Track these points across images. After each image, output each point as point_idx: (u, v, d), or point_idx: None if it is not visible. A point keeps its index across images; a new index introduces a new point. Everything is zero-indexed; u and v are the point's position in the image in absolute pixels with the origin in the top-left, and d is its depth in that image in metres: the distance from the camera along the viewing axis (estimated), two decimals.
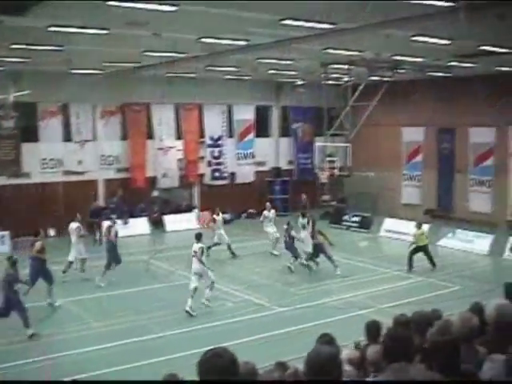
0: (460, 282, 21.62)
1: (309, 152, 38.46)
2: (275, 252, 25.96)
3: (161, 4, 13.44)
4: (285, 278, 22.27)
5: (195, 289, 18.40)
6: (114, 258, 22.22)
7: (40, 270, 19.17)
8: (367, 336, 8.26)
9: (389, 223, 30.88)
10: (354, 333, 9.82)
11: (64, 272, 22.08)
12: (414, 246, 23.50)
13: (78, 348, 15.55)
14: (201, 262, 18.62)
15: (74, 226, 23.15)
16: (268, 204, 27.84)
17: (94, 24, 16.33)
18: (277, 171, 38.50)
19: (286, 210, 35.43)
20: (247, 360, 4.90)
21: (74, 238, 22.84)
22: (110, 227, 23.10)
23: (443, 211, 31.97)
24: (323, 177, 32.57)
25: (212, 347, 4.11)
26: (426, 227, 24.55)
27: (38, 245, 19.45)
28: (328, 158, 32.72)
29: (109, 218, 25.64)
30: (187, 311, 18.10)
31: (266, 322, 17.62)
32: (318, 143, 34.35)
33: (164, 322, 17.46)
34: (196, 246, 18.79)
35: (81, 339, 16.29)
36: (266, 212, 27.04)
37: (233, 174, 37.12)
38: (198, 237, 19.07)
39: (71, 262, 22.54)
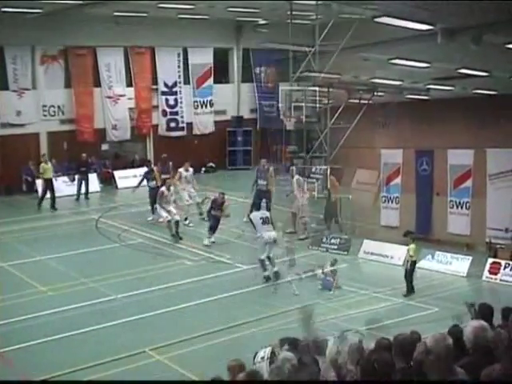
0: (438, 304, 21.57)
1: (273, 99, 35.43)
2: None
3: None
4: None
5: (268, 258, 19.71)
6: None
7: None
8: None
9: (368, 245, 30.82)
10: None
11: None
12: (411, 260, 23.62)
13: (32, 313, 15.19)
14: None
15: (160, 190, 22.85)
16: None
17: None
18: (238, 120, 35.95)
19: (248, 164, 33.15)
20: None
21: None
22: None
23: (422, 233, 31.97)
24: (289, 123, 30.28)
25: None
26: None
27: None
28: (294, 104, 30.17)
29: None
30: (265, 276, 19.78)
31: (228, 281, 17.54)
32: (283, 87, 31.54)
33: (117, 284, 16.98)
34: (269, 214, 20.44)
35: (32, 303, 15.89)
36: (182, 170, 24.52)
37: (190, 124, 34.75)
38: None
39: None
